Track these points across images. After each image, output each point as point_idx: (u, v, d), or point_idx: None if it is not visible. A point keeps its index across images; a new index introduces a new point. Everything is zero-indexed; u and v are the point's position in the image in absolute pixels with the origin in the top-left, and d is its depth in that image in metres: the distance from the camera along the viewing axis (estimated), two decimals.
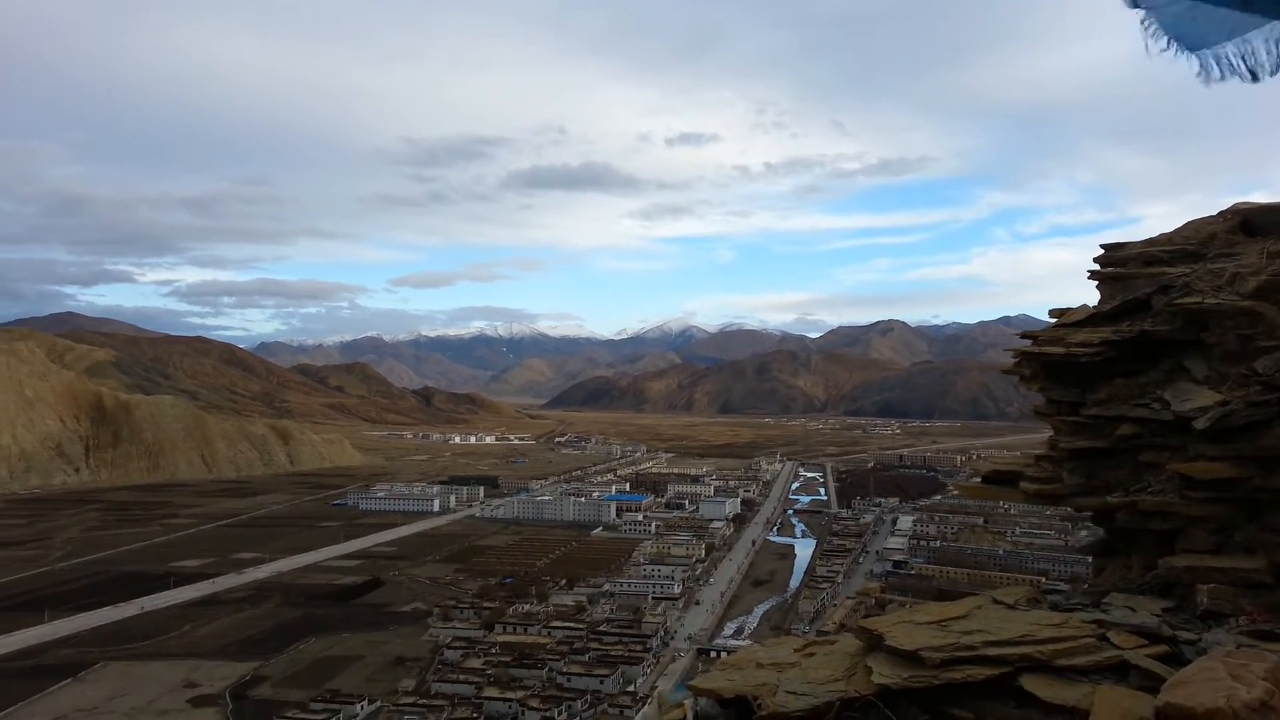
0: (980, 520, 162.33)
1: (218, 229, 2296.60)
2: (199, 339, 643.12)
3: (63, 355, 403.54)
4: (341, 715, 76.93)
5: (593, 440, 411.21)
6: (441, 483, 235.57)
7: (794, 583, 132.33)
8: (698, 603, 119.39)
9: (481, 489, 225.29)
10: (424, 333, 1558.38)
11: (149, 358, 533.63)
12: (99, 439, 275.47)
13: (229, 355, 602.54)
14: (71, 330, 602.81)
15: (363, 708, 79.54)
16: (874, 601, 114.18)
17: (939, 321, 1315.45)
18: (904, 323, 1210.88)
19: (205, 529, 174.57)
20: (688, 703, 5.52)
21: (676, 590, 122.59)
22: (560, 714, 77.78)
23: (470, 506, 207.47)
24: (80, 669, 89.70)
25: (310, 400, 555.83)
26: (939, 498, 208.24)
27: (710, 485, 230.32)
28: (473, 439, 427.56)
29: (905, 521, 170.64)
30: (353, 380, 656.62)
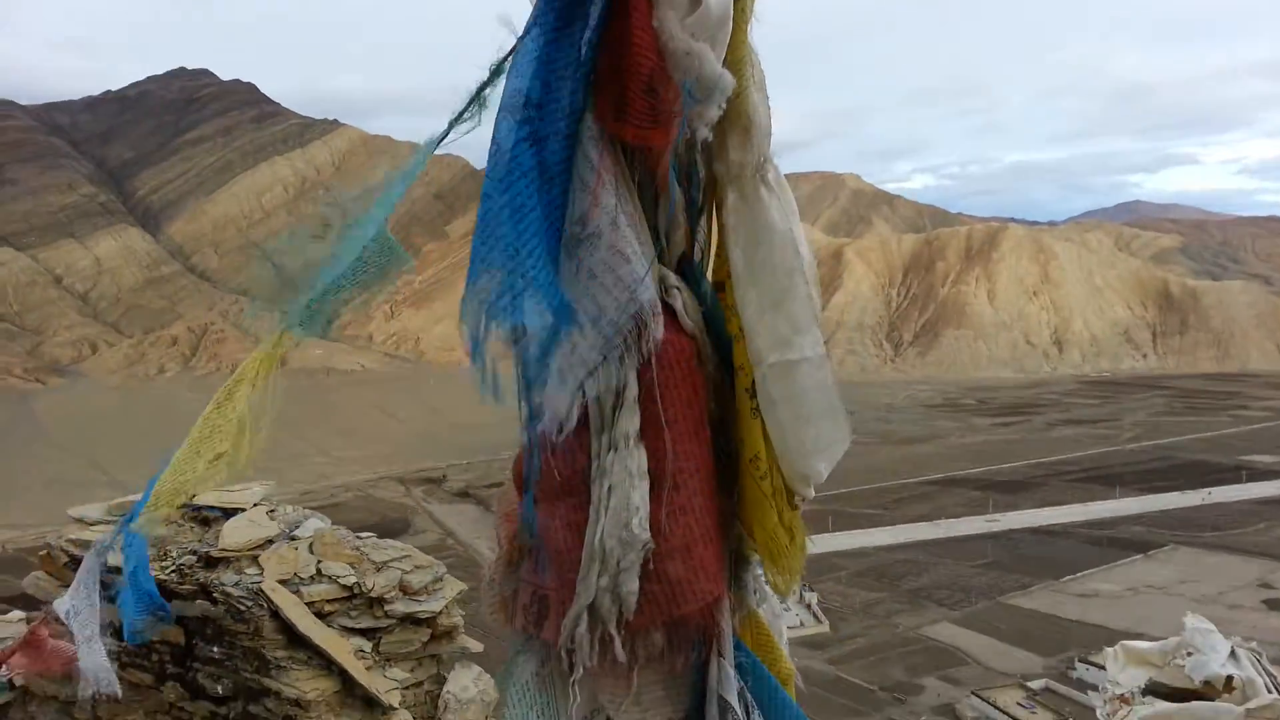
0: None
1: None
2: (1272, 218, 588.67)
3: (1129, 243, 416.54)
4: None
5: None
6: None
7: None
8: None
9: None
10: None
11: (1216, 241, 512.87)
12: (1165, 326, 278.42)
13: None
14: (1136, 219, 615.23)
15: None
16: None
17: None
18: None
19: (1278, 424, 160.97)
20: None
21: None
22: None
23: None
24: (1149, 547, 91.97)
25: None
26: None
27: None
28: None
29: None
30: None
